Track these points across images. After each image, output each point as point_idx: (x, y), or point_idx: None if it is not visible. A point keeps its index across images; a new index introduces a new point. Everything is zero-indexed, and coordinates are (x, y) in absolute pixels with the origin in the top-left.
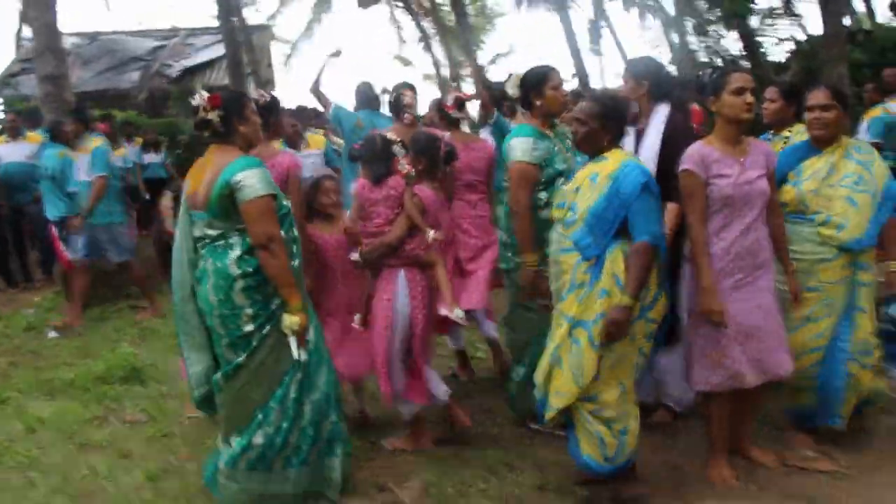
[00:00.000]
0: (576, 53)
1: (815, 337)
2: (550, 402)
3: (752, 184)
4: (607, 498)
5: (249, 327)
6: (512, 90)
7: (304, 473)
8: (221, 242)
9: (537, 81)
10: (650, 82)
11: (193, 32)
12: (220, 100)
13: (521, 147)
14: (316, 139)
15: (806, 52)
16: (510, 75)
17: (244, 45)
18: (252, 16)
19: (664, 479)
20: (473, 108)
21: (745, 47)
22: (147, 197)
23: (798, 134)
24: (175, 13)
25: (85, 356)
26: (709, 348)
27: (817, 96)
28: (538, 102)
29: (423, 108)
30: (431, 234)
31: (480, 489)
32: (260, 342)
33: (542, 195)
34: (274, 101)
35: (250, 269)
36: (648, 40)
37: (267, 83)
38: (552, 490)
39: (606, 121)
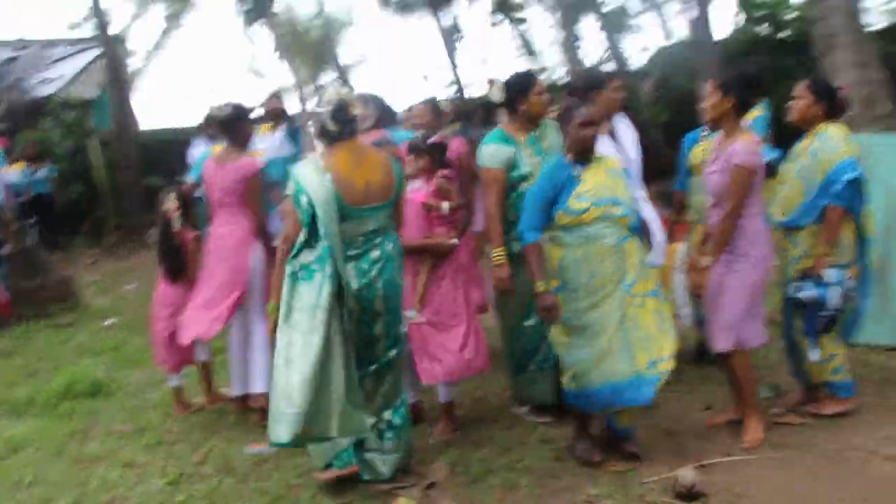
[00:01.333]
0: (452, 60)
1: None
2: (660, 369)
3: (710, 175)
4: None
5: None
6: (496, 96)
7: None
8: (392, 229)
9: (522, 87)
10: None
11: (47, 44)
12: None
13: (486, 153)
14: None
15: (663, 58)
16: (492, 82)
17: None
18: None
19: (662, 443)
20: None
21: (611, 54)
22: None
23: None
24: (22, 24)
25: (30, 375)
26: None
27: (797, 88)
28: (523, 107)
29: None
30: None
31: (503, 464)
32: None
33: (511, 196)
34: (238, 111)
35: None
36: (512, 48)
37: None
38: (568, 460)
39: None
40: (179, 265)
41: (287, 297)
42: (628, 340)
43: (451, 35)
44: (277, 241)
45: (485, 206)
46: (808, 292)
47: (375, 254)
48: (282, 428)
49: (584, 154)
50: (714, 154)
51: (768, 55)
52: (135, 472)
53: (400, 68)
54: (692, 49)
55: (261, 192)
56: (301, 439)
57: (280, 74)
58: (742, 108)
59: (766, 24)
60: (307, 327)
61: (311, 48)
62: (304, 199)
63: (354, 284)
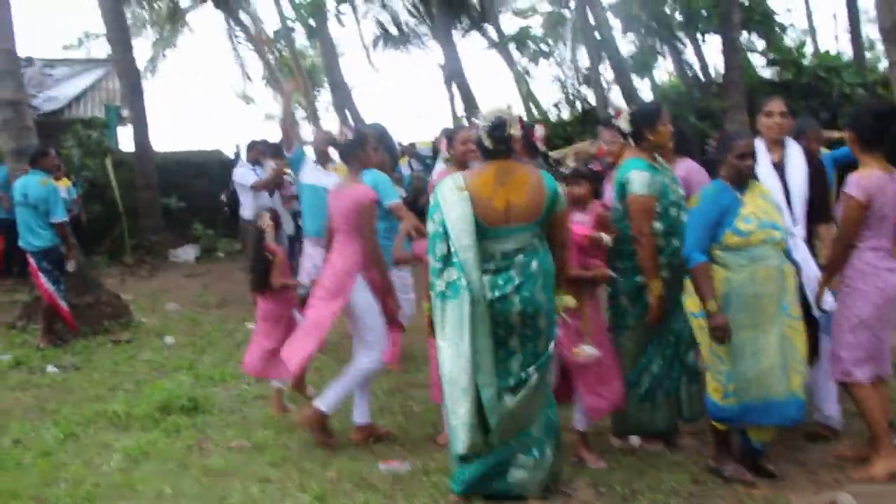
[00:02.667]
0: (466, 91)
1: None
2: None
3: None
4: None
5: (555, 317)
6: (624, 125)
7: None
8: (542, 247)
9: (651, 117)
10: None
11: (49, 63)
12: (523, 123)
13: (639, 180)
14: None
15: (673, 100)
16: (619, 112)
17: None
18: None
19: (795, 471)
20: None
21: (625, 97)
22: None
23: None
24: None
25: (111, 390)
26: None
27: None
28: (651, 137)
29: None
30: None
31: (645, 486)
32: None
33: (658, 225)
34: (360, 136)
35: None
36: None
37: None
38: (706, 482)
39: None
40: (267, 277)
41: (440, 314)
42: (785, 361)
43: (453, 69)
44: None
45: (638, 236)
46: None
47: (514, 272)
48: (458, 441)
49: (741, 181)
50: None
51: (795, 98)
52: (274, 488)
53: (392, 96)
54: (702, 89)
55: (371, 221)
56: (476, 448)
57: (269, 101)
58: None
59: (785, 70)
60: (458, 343)
61: (299, 75)
62: (437, 216)
63: (488, 296)
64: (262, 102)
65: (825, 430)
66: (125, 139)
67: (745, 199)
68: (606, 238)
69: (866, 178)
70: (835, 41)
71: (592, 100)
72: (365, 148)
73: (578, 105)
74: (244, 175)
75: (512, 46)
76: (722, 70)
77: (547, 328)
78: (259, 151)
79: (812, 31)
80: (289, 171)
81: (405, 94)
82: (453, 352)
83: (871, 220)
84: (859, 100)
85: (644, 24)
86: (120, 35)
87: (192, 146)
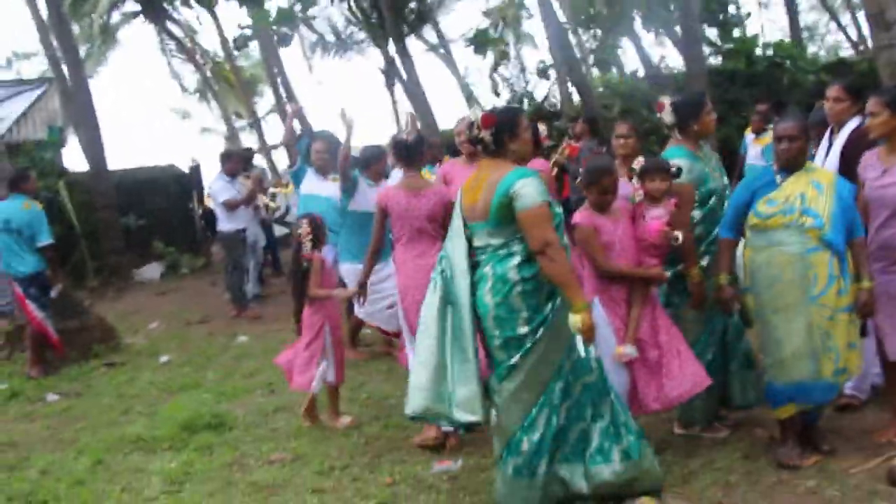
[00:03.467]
0: (417, 98)
1: None
2: (842, 379)
3: (885, 188)
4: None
5: (524, 329)
6: (668, 117)
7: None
8: (504, 250)
9: (695, 107)
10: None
11: None
12: (492, 119)
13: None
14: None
15: (623, 93)
16: (662, 105)
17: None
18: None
19: (837, 440)
20: None
21: (580, 93)
22: None
23: None
24: None
25: (124, 413)
26: None
27: None
28: (695, 127)
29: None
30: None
31: (699, 466)
32: (533, 344)
33: (696, 213)
34: (419, 138)
35: (528, 275)
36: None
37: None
38: (759, 458)
39: (807, 136)
40: (304, 285)
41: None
42: (814, 349)
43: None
44: None
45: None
46: None
47: (478, 269)
48: (411, 402)
49: (787, 165)
50: (882, 168)
51: (741, 87)
52: (333, 497)
53: (334, 103)
54: (656, 83)
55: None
56: (425, 414)
57: (205, 114)
58: None
59: (736, 60)
60: (423, 320)
61: (240, 86)
62: None
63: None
64: (197, 116)
65: (854, 399)
66: (69, 159)
67: (785, 184)
68: (679, 234)
69: None
70: (761, 29)
71: (538, 96)
72: (424, 147)
73: (525, 103)
74: (220, 191)
75: (455, 49)
76: (668, 64)
77: (501, 336)
78: (234, 163)
79: (741, 19)
80: (263, 186)
81: (347, 100)
82: (421, 327)
83: None
84: (809, 86)
85: (603, 20)
86: (69, 54)
87: (136, 163)
